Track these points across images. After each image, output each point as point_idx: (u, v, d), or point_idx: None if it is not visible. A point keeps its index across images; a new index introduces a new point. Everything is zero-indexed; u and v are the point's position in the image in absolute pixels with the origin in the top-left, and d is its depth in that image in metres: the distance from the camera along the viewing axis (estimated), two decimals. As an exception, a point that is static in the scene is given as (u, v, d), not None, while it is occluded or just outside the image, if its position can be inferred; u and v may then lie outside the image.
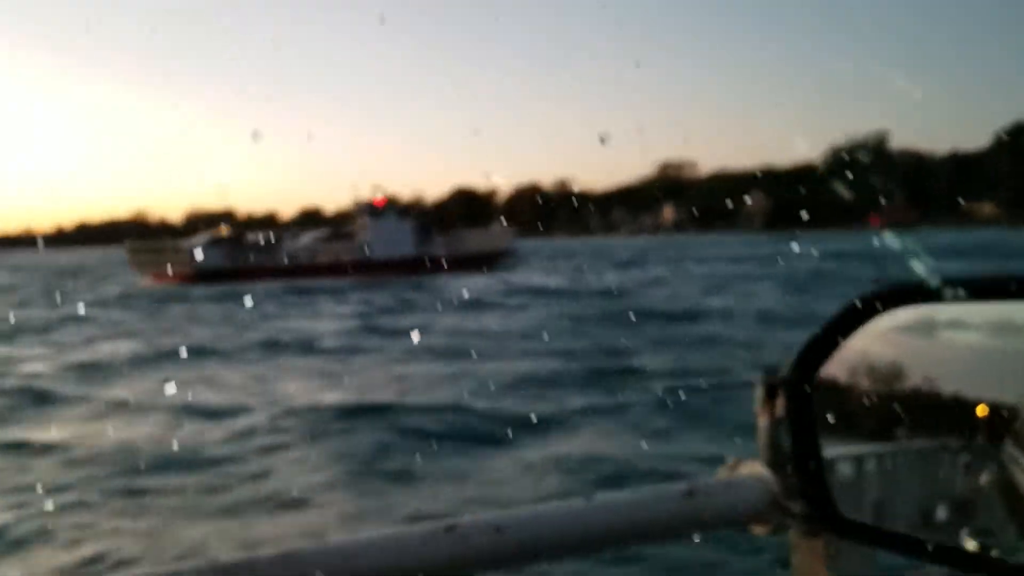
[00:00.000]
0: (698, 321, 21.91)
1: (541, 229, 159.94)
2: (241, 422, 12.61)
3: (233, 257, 48.79)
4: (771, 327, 20.10)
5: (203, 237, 51.65)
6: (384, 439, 11.24)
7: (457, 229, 58.40)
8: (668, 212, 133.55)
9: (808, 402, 1.09)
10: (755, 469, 1.22)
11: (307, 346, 20.14)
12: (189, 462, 10.43)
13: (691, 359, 16.26)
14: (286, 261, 49.83)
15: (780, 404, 1.15)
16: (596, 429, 11.45)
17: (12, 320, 28.92)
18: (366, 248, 50.25)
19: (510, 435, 11.13)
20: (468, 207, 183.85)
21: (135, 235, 60.26)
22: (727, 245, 78.75)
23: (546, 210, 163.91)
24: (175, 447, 11.16)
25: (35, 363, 19.12)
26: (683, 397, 12.36)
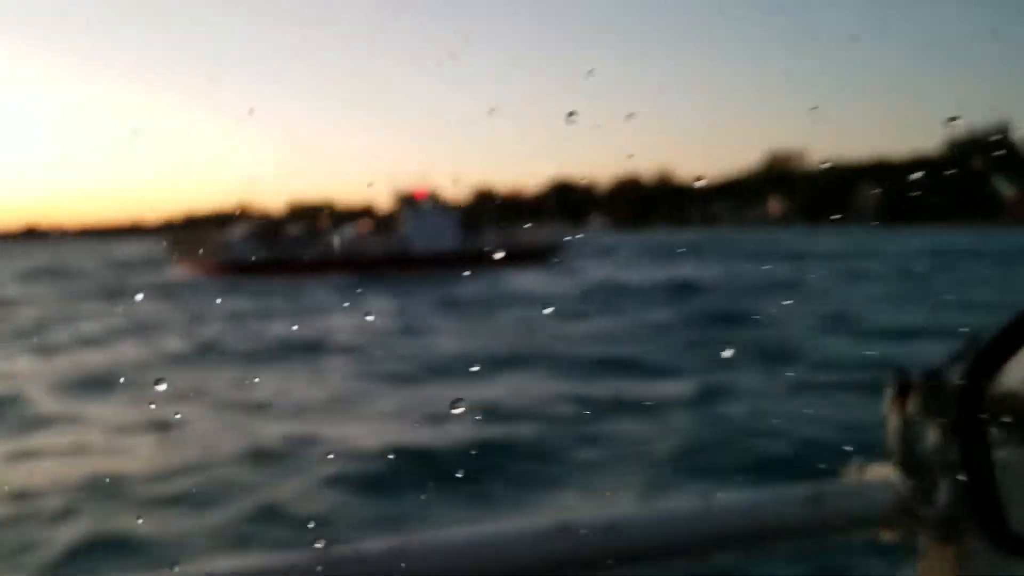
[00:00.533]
0: (751, 326, 18.92)
1: (640, 221, 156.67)
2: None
3: (269, 249, 47.47)
4: (833, 335, 17.20)
5: (241, 228, 50.57)
6: (307, 482, 9.04)
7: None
8: (774, 204, 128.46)
9: (981, 413, 1.01)
10: (883, 472, 1.16)
11: (311, 349, 18.12)
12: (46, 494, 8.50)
13: (722, 376, 13.51)
14: (325, 254, 48.04)
15: (912, 404, 1.09)
16: (565, 473, 9.01)
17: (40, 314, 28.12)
18: (406, 241, 48.22)
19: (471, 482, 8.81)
20: (566, 200, 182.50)
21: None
22: (831, 239, 74.27)
23: (646, 202, 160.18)
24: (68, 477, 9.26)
25: (32, 362, 17.69)
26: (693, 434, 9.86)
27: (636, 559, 1.06)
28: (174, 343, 19.67)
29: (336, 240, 49.67)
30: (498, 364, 15.51)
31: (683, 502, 1.21)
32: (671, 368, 14.58)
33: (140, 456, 10.12)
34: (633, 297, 27.55)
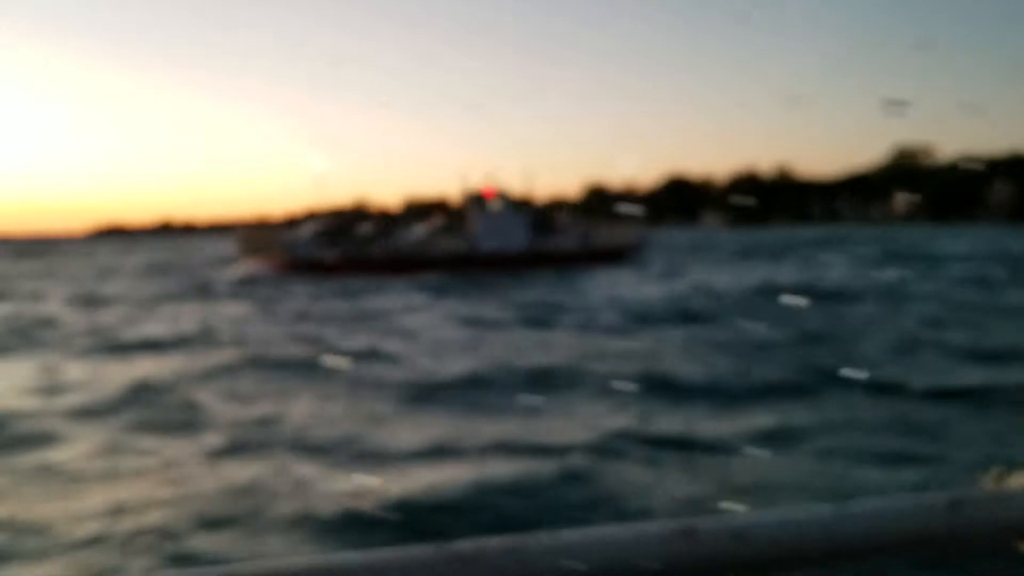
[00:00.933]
0: (841, 345, 16.51)
1: (758, 218, 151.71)
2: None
3: (333, 248, 46.98)
4: (932, 356, 14.79)
5: (310, 226, 50.43)
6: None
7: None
8: (899, 201, 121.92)
9: None
10: None
11: (355, 357, 16.70)
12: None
13: (793, 410, 11.41)
14: (393, 253, 47.64)
15: None
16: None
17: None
18: (474, 241, 46.73)
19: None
20: (681, 195, 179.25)
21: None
22: (961, 239, 69.47)
23: (764, 197, 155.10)
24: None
25: (79, 370, 16.94)
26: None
27: (763, 567, 1.00)
28: (219, 350, 18.80)
29: (404, 239, 49.26)
30: (537, 382, 13.82)
31: (814, 508, 1.01)
32: (732, 396, 12.57)
33: (77, 492, 8.86)
34: (716, 304, 25.25)
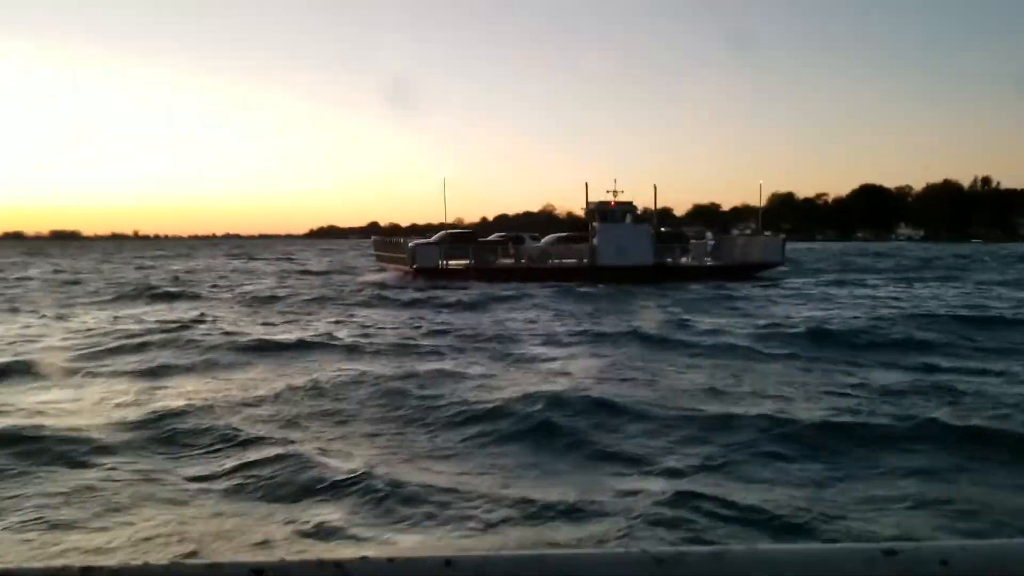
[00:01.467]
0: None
1: (955, 232, 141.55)
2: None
3: (455, 256, 47.33)
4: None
5: (437, 235, 51.54)
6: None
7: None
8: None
9: None
10: None
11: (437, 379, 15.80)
12: None
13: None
14: (516, 262, 47.65)
15: None
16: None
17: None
18: (595, 253, 46.11)
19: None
20: (875, 205, 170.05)
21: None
22: None
23: (962, 209, 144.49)
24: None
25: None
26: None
27: None
28: (320, 358, 18.46)
29: (528, 249, 49.65)
30: (611, 412, 12.38)
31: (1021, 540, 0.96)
32: (826, 448, 10.72)
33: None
34: (847, 329, 22.69)
